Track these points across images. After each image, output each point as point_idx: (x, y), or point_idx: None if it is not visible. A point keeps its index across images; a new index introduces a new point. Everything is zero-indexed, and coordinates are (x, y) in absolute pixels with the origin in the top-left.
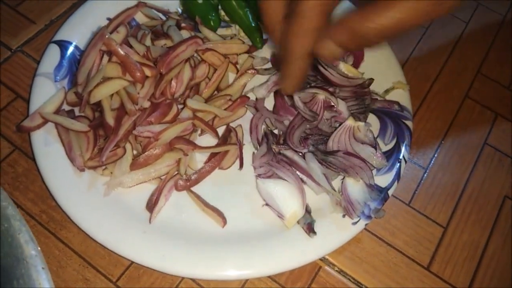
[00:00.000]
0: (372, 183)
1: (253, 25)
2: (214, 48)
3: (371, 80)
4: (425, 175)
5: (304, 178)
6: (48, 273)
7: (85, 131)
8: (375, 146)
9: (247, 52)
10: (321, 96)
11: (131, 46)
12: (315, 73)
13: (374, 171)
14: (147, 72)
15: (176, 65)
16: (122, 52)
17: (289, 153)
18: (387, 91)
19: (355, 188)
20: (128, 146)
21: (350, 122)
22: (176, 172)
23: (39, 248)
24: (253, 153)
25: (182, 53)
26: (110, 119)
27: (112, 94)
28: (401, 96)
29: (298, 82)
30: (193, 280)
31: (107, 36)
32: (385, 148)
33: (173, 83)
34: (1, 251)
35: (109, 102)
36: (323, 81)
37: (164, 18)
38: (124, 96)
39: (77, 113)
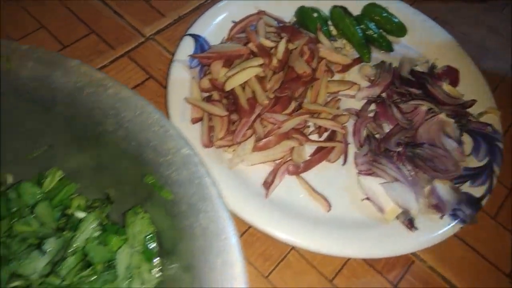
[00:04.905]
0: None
1: (363, 41)
2: (322, 55)
3: (473, 101)
4: (509, 193)
5: (401, 178)
6: (228, 212)
7: (222, 116)
8: (459, 142)
9: (351, 65)
10: (424, 107)
11: None
12: (423, 91)
13: (469, 182)
14: (275, 61)
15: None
16: (257, 39)
17: (384, 161)
18: (480, 114)
19: (444, 190)
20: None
21: (442, 116)
22: (289, 158)
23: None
24: (355, 152)
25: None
26: (245, 104)
27: (244, 87)
28: (492, 119)
29: None
30: (299, 253)
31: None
32: (479, 164)
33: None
34: (190, 191)
35: (241, 91)
36: (427, 97)
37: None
38: (257, 87)
39: None
